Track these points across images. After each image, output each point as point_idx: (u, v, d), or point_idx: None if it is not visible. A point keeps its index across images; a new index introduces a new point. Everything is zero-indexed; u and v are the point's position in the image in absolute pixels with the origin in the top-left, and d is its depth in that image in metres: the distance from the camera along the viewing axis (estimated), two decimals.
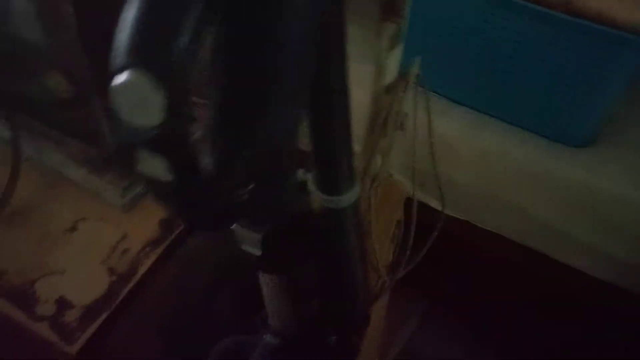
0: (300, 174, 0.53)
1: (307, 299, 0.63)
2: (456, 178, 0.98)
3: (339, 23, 0.41)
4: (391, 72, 0.67)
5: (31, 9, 0.67)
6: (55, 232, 0.75)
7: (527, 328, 1.13)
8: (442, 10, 0.91)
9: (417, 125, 0.71)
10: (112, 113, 0.30)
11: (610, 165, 0.90)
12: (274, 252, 0.51)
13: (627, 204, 0.88)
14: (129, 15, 0.28)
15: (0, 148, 0.80)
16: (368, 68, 0.66)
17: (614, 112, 0.91)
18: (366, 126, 0.72)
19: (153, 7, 0.28)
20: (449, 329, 1.23)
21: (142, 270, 0.72)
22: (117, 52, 0.28)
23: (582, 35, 0.79)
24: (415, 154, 0.72)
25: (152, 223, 0.76)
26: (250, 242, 0.49)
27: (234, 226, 0.48)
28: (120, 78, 0.28)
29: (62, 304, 0.69)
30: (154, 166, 0.31)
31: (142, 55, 0.27)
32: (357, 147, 0.52)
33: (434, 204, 0.89)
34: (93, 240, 0.75)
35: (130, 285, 0.71)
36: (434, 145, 0.73)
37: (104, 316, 0.68)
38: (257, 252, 0.49)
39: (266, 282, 0.60)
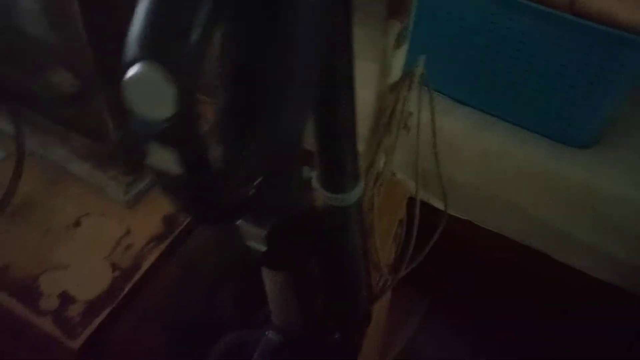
0: (305, 171, 0.53)
1: (311, 296, 0.63)
2: (458, 177, 0.98)
3: (346, 21, 0.42)
4: (396, 70, 0.67)
5: (37, 5, 0.67)
6: (59, 227, 0.75)
7: (527, 328, 1.13)
8: (446, 9, 0.91)
9: (421, 124, 0.71)
10: (123, 106, 0.30)
11: (612, 167, 0.91)
12: (279, 249, 0.51)
13: (627, 204, 0.88)
14: (142, 9, 0.28)
15: (5, 143, 0.80)
16: (372, 67, 0.66)
17: (617, 114, 0.92)
18: (370, 125, 0.73)
19: (166, 1, 0.28)
20: (449, 328, 1.23)
21: (145, 265, 0.72)
22: (130, 44, 0.28)
23: (586, 36, 0.80)
24: (419, 154, 0.72)
25: (156, 219, 0.77)
26: (255, 238, 0.49)
27: (239, 222, 0.48)
28: (133, 71, 0.28)
29: (65, 298, 0.69)
30: (164, 159, 0.31)
31: (155, 48, 0.27)
32: (360, 145, 0.52)
33: (436, 203, 0.90)
34: (96, 236, 0.75)
35: (134, 280, 0.71)
36: (437, 144, 0.73)
37: (106, 311, 0.68)
38: (262, 248, 0.49)
39: (270, 278, 0.60)
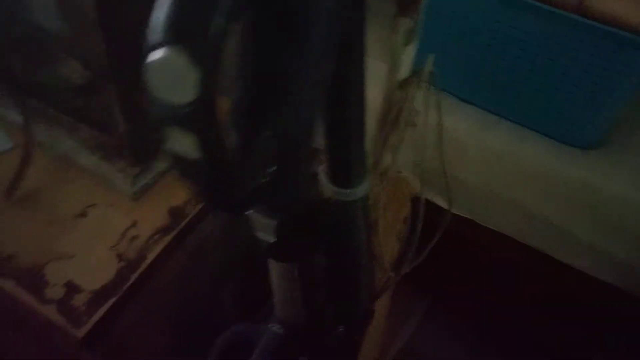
0: (314, 166, 0.53)
1: (316, 289, 0.63)
2: (462, 176, 0.99)
3: (360, 19, 0.42)
4: (405, 68, 0.68)
5: None
6: (65, 217, 0.76)
7: (527, 328, 1.13)
8: (452, 9, 0.92)
9: (427, 123, 0.71)
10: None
11: (615, 168, 0.91)
12: (287, 240, 0.51)
13: (628, 205, 0.89)
14: None
15: (14, 133, 0.81)
16: (381, 65, 0.66)
17: (622, 115, 0.92)
18: (377, 122, 0.73)
19: None
20: (450, 328, 1.24)
21: (150, 257, 0.72)
22: (153, 29, 0.28)
23: (592, 37, 0.80)
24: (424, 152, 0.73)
25: (162, 211, 0.77)
26: (264, 229, 0.49)
27: (250, 212, 0.48)
28: (156, 55, 0.28)
29: (71, 288, 0.69)
30: (182, 144, 0.32)
31: (180, 33, 0.28)
32: (367, 142, 0.53)
33: (440, 201, 0.90)
34: (102, 226, 0.75)
35: (139, 271, 0.71)
36: (443, 143, 0.74)
37: (111, 301, 0.68)
38: (271, 239, 0.50)
39: (276, 270, 0.60)
